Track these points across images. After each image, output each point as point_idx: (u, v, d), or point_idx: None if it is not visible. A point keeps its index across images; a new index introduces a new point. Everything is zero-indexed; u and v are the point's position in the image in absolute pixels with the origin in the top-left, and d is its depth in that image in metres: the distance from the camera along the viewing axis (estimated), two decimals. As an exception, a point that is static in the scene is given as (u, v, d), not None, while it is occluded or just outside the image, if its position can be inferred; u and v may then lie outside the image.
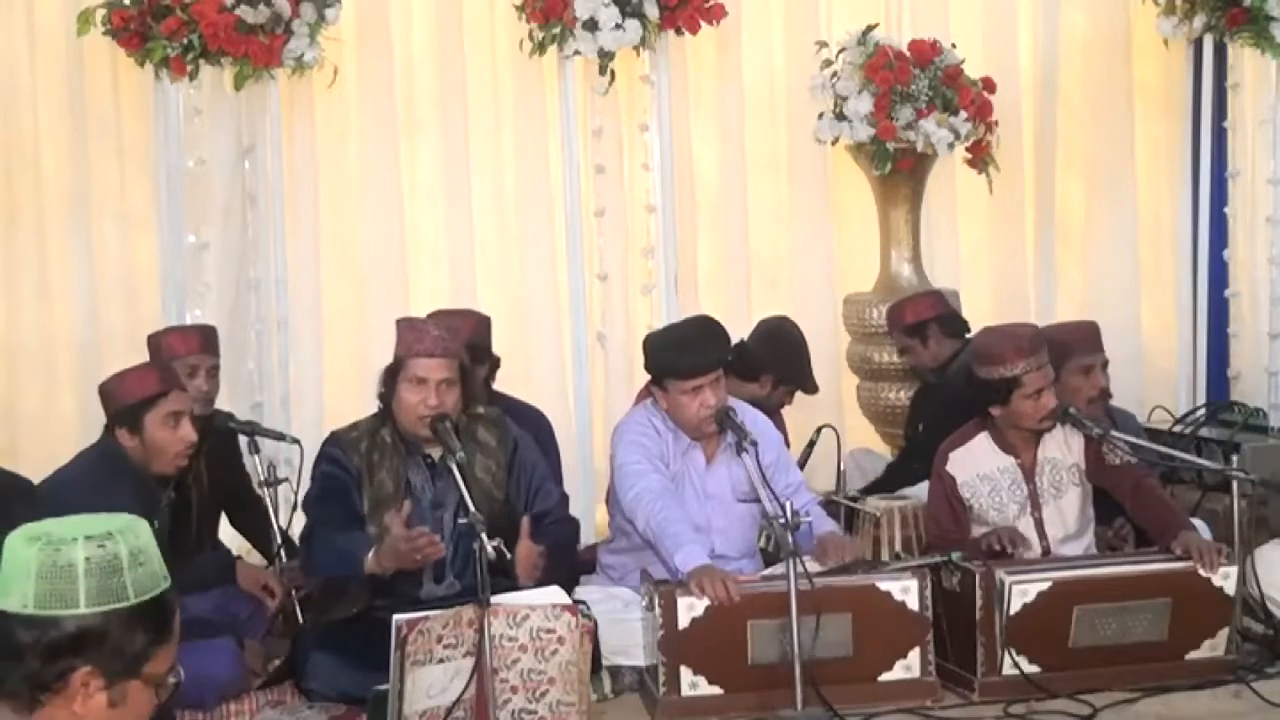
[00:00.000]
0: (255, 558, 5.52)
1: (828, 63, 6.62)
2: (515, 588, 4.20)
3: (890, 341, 6.33)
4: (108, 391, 4.62)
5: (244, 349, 6.28)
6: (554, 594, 4.10)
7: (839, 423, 6.26)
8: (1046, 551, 4.78)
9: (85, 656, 2.08)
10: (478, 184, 6.73)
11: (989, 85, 6.67)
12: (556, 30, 6.37)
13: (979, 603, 4.36)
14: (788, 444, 5.30)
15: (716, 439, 4.76)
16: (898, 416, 6.50)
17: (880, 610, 4.32)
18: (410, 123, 6.72)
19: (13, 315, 6.43)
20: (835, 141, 6.68)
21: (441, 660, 3.83)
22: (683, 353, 4.67)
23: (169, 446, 4.54)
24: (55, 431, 6.20)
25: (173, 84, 6.13)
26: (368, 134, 6.63)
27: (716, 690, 4.25)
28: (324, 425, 5.71)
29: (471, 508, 4.10)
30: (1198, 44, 7.04)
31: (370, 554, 4.33)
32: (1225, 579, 4.46)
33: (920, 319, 6.00)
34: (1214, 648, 4.51)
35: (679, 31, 6.55)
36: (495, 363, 5.47)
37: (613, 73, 6.48)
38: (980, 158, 6.78)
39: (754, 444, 4.47)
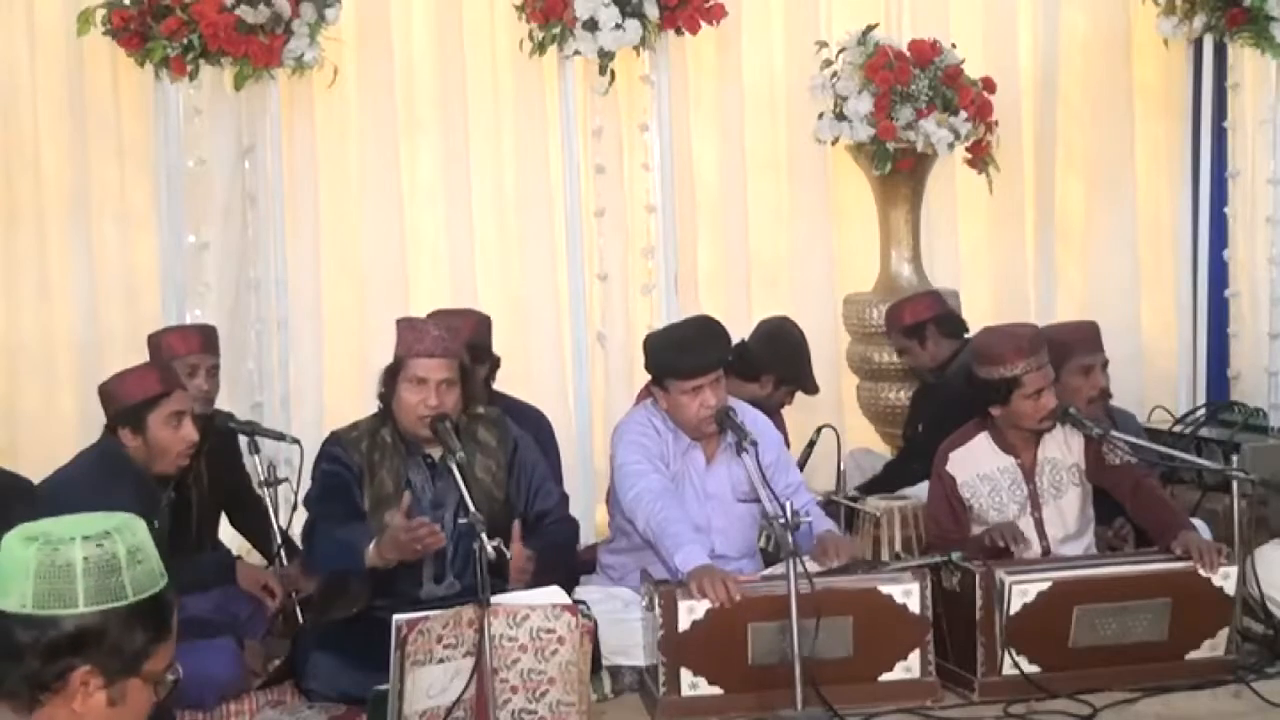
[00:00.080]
0: (255, 558, 5.52)
1: (828, 63, 6.62)
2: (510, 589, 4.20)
3: (889, 342, 6.34)
4: (108, 392, 4.62)
5: (244, 349, 6.28)
6: (554, 594, 4.10)
7: (839, 423, 6.26)
8: (1046, 551, 4.78)
9: (84, 655, 2.08)
10: (478, 184, 6.73)
11: (989, 85, 6.67)
12: (556, 30, 6.38)
13: (979, 603, 4.36)
14: (788, 444, 5.30)
15: (716, 439, 4.76)
16: (898, 416, 6.50)
17: (882, 613, 4.31)
18: (410, 123, 6.73)
19: (13, 315, 6.43)
20: (835, 141, 6.68)
21: (441, 660, 3.83)
22: (683, 353, 4.67)
23: (172, 446, 4.55)
24: (55, 431, 6.20)
25: (173, 84, 6.13)
26: (368, 134, 6.63)
27: (716, 690, 4.25)
28: (324, 425, 5.71)
29: (471, 508, 4.10)
30: (1198, 44, 7.04)
31: (371, 546, 4.34)
32: (1225, 579, 4.46)
33: (918, 320, 6.01)
34: (1214, 648, 4.51)
35: (679, 31, 6.55)
36: (495, 363, 5.47)
37: (613, 73, 6.49)
38: (980, 158, 6.78)
39: (754, 444, 4.47)
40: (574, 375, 6.66)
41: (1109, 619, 4.41)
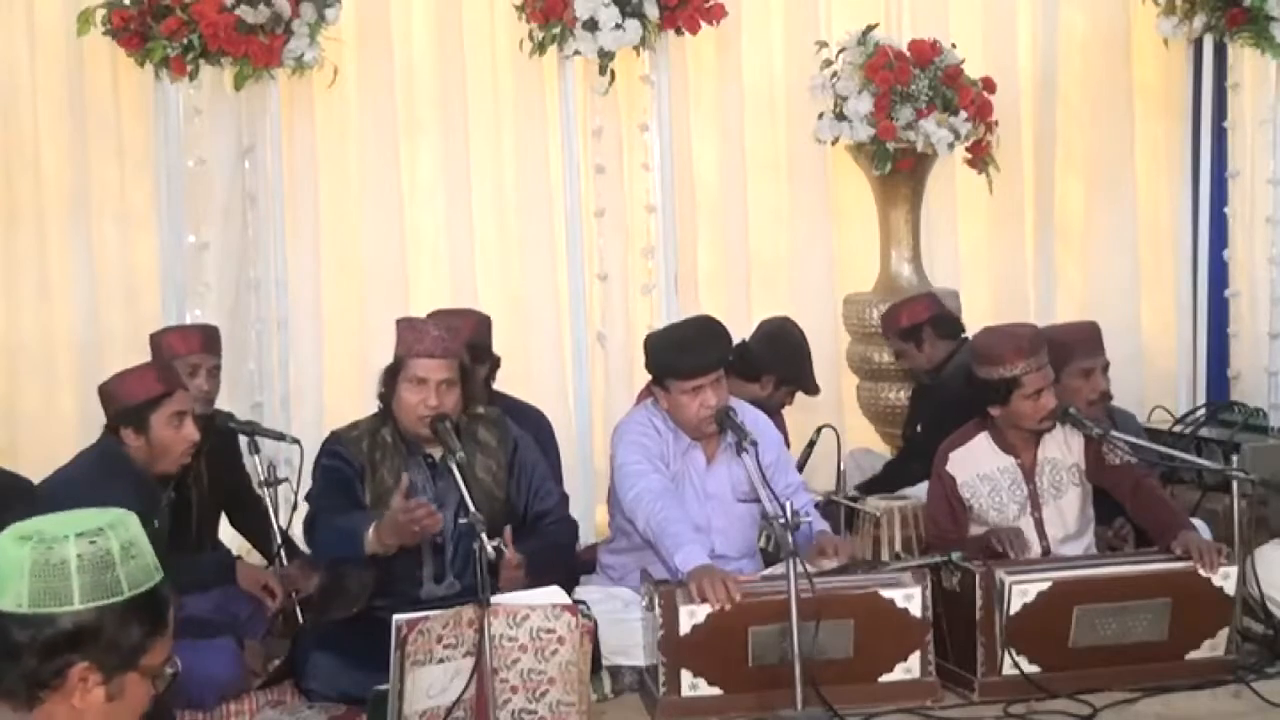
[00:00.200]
0: (255, 558, 5.51)
1: (828, 63, 6.62)
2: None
3: (887, 344, 6.34)
4: (109, 392, 4.62)
5: (244, 349, 6.28)
6: (554, 594, 4.10)
7: (839, 423, 6.26)
8: (1046, 551, 4.78)
9: (82, 652, 2.09)
10: (478, 184, 6.73)
11: (989, 85, 6.67)
12: (556, 30, 6.37)
13: (979, 603, 4.36)
14: (788, 444, 5.30)
15: (717, 439, 4.76)
16: (897, 416, 6.50)
17: (882, 616, 4.31)
18: (410, 123, 6.73)
19: (13, 315, 6.43)
20: (835, 141, 6.67)
21: (441, 660, 3.83)
22: (683, 353, 4.67)
23: (174, 446, 4.55)
24: (55, 431, 6.20)
25: (173, 84, 6.13)
26: (368, 134, 6.63)
27: (716, 691, 4.25)
28: (324, 425, 5.70)
29: (471, 508, 4.10)
30: (1198, 44, 7.03)
31: (370, 530, 4.33)
32: (1225, 579, 4.46)
33: (915, 322, 6.01)
34: (1214, 648, 4.50)
35: (679, 31, 6.55)
36: (495, 363, 5.47)
37: (613, 73, 6.48)
38: (980, 158, 6.77)
39: (754, 444, 4.46)
40: (574, 375, 6.66)
41: (1109, 619, 4.41)
